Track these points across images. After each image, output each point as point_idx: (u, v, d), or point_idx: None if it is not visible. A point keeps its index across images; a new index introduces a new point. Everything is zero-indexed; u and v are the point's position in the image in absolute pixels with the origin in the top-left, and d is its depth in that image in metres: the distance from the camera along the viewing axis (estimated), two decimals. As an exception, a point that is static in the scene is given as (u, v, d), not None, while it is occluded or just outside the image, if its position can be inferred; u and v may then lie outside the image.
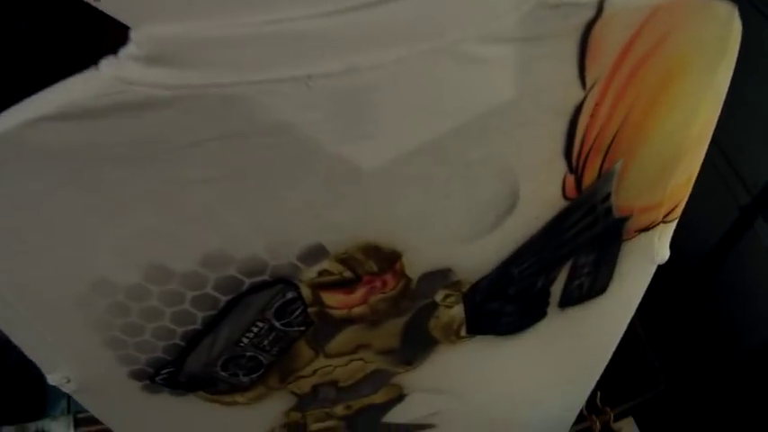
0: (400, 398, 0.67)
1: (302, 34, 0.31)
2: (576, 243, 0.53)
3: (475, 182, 0.44)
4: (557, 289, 0.58)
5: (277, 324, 0.50)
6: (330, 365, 0.58)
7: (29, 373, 0.94)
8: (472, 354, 0.62)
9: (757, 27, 0.99)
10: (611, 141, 0.43)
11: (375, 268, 0.47)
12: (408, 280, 0.49)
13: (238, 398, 0.58)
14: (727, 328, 1.51)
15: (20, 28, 0.96)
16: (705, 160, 0.48)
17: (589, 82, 0.39)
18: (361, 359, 0.58)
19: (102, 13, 0.28)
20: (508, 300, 0.56)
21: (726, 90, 0.43)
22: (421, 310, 0.53)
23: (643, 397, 1.27)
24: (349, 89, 0.34)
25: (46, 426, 1.01)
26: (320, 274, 0.46)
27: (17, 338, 0.44)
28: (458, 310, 0.55)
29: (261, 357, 0.52)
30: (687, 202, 0.52)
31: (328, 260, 0.45)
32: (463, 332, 0.58)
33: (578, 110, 0.41)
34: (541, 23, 0.35)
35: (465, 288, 0.53)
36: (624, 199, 0.48)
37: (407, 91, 0.36)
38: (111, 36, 0.30)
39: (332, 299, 0.49)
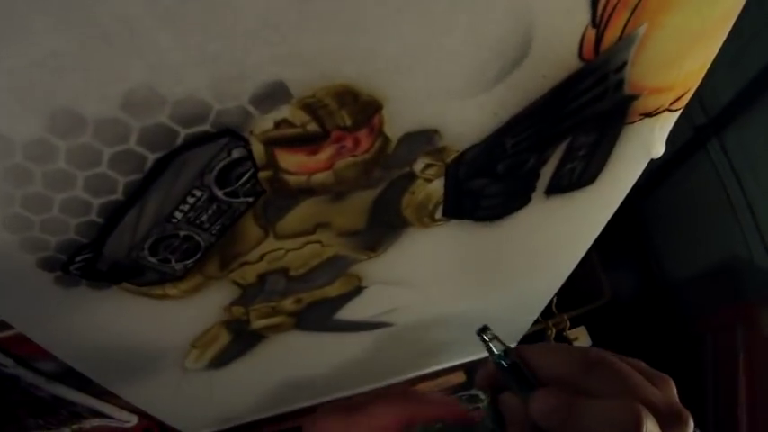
0: (358, 291, 0.60)
1: None
2: (579, 117, 0.46)
3: (485, 14, 0.34)
4: (547, 172, 0.52)
5: (219, 193, 0.41)
6: (281, 249, 0.49)
7: None
8: (443, 241, 0.55)
9: None
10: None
11: (348, 122, 0.37)
12: (386, 141, 0.40)
13: (170, 290, 0.50)
14: (668, 247, 1.54)
15: None
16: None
17: None
18: (318, 242, 0.50)
19: None
20: (494, 178, 0.49)
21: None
22: (395, 182, 0.45)
23: (590, 306, 1.29)
24: None
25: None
26: (278, 125, 0.36)
27: None
28: (437, 186, 0.47)
29: (198, 238, 0.45)
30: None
31: (290, 106, 0.35)
32: (438, 214, 0.51)
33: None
34: None
35: (450, 158, 0.44)
36: (638, 74, 0.44)
37: None
38: None
39: (290, 161, 0.39)
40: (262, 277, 0.53)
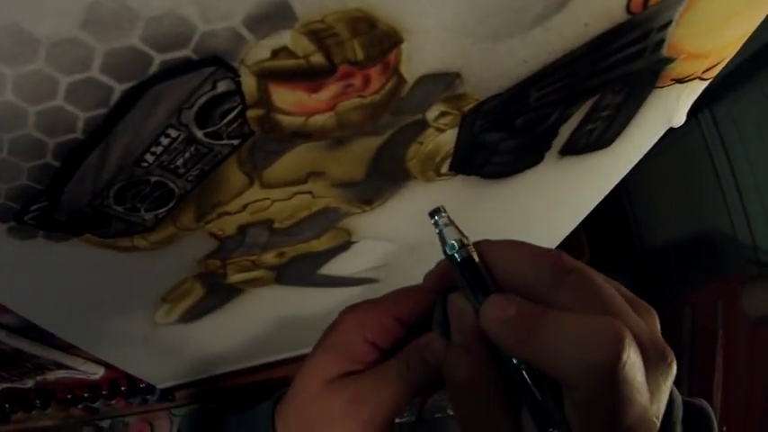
0: (346, 245, 0.55)
1: None
2: (612, 74, 0.42)
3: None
4: (566, 130, 0.47)
5: (198, 134, 0.35)
6: (267, 199, 0.44)
7: None
8: (444, 197, 0.50)
9: None
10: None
11: (360, 55, 0.31)
12: (400, 81, 0.34)
13: (139, 242, 0.44)
14: (651, 218, 1.52)
15: None
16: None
17: None
18: (309, 192, 0.44)
19: None
20: (511, 133, 0.43)
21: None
22: (403, 130, 0.39)
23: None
24: None
25: None
26: (275, 54, 0.30)
27: None
28: (448, 138, 0.42)
29: (172, 185, 0.39)
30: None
31: (292, 32, 0.29)
32: (445, 168, 0.45)
33: None
34: None
35: (468, 107, 0.39)
36: (680, 36, 0.40)
37: None
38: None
39: (286, 98, 0.33)
40: (242, 229, 0.47)
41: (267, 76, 0.31)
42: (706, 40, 0.42)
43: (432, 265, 0.34)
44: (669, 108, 0.50)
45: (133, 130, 0.33)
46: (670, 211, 1.43)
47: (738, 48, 0.46)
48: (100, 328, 0.57)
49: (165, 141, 0.35)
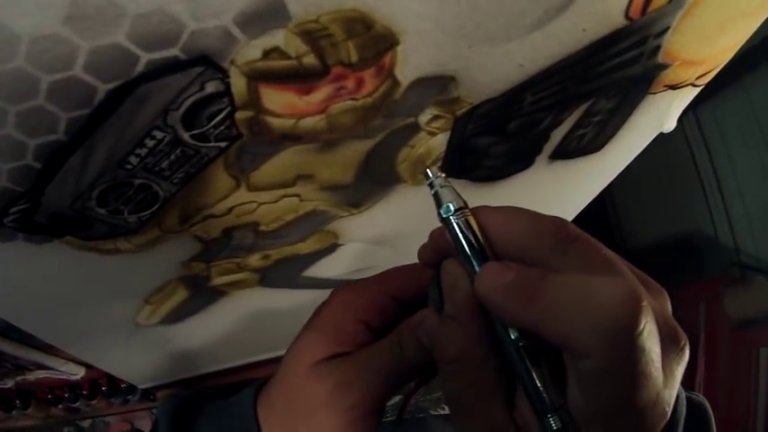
0: (332, 248, 0.54)
1: None
2: (607, 80, 0.42)
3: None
4: (557, 135, 0.47)
5: (185, 136, 0.34)
6: (253, 202, 0.43)
7: None
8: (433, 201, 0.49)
9: None
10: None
11: (354, 57, 0.30)
12: (394, 84, 0.33)
13: (122, 244, 0.43)
14: (632, 219, 1.53)
15: None
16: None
17: None
18: (296, 195, 0.43)
19: None
20: (503, 137, 0.43)
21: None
22: (395, 133, 0.38)
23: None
24: None
25: None
26: (267, 54, 0.29)
27: None
28: (439, 141, 0.41)
29: (156, 187, 0.38)
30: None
31: (285, 32, 0.28)
32: (436, 172, 0.44)
33: None
34: None
35: (461, 111, 0.38)
36: (676, 42, 0.40)
37: None
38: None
39: (276, 100, 0.32)
40: (228, 232, 0.46)
41: (257, 77, 0.30)
42: (701, 47, 0.43)
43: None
44: (661, 114, 0.50)
45: (117, 131, 0.32)
46: (653, 212, 1.44)
47: (732, 55, 0.46)
48: (81, 330, 0.55)
49: (150, 143, 0.34)
